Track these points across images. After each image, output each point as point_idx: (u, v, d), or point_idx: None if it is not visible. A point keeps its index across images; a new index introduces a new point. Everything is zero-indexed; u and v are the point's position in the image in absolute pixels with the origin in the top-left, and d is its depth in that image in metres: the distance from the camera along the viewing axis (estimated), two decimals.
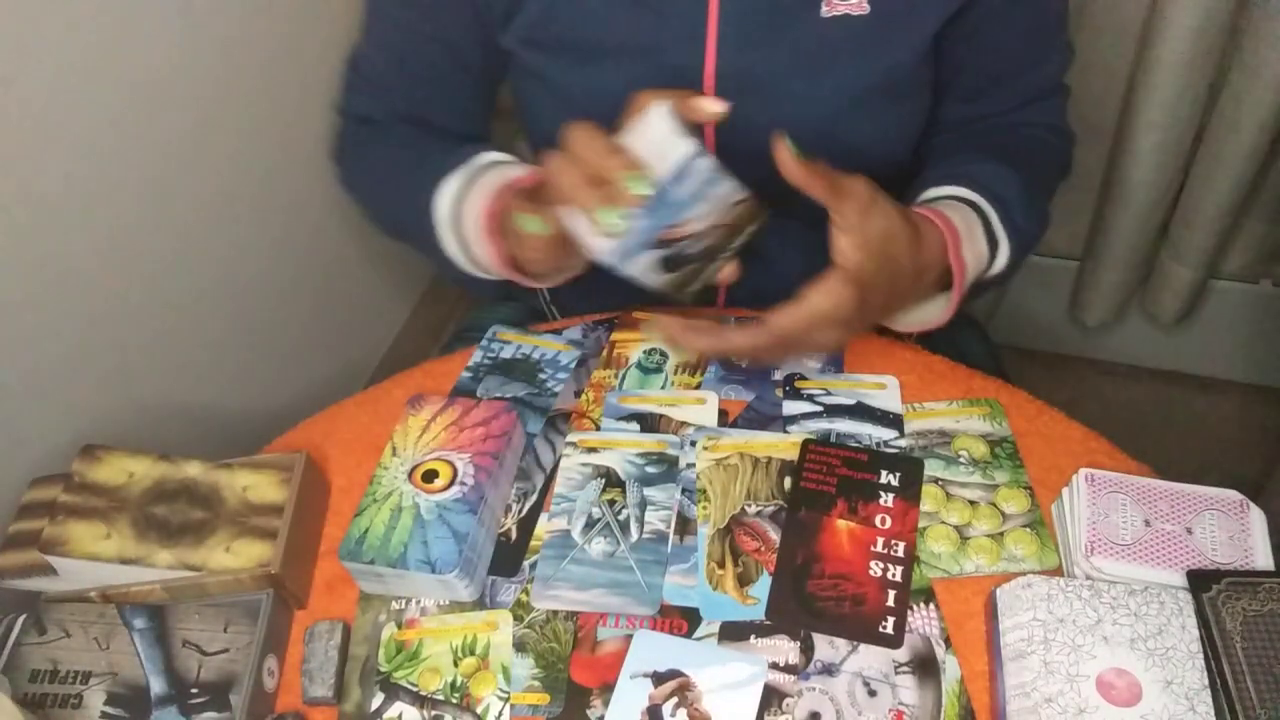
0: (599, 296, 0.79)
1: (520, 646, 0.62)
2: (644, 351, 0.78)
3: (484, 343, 0.80)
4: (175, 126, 0.99)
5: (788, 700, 0.58)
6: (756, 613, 0.62)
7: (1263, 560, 0.60)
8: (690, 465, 0.69)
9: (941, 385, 0.74)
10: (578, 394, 0.76)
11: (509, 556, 0.66)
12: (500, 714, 0.59)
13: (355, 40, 0.81)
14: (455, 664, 0.61)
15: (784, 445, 0.70)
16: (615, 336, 0.79)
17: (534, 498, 0.69)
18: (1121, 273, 1.37)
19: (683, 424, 0.72)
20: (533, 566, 0.65)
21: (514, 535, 0.67)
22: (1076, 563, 0.61)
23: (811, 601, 0.61)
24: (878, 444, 0.70)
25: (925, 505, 0.66)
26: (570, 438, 0.72)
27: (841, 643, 0.60)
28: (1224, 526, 0.61)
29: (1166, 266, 1.35)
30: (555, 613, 0.63)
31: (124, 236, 0.95)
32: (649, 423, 0.73)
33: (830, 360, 0.75)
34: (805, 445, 0.69)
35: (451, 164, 0.72)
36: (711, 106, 0.59)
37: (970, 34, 0.73)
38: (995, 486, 0.67)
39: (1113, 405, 1.55)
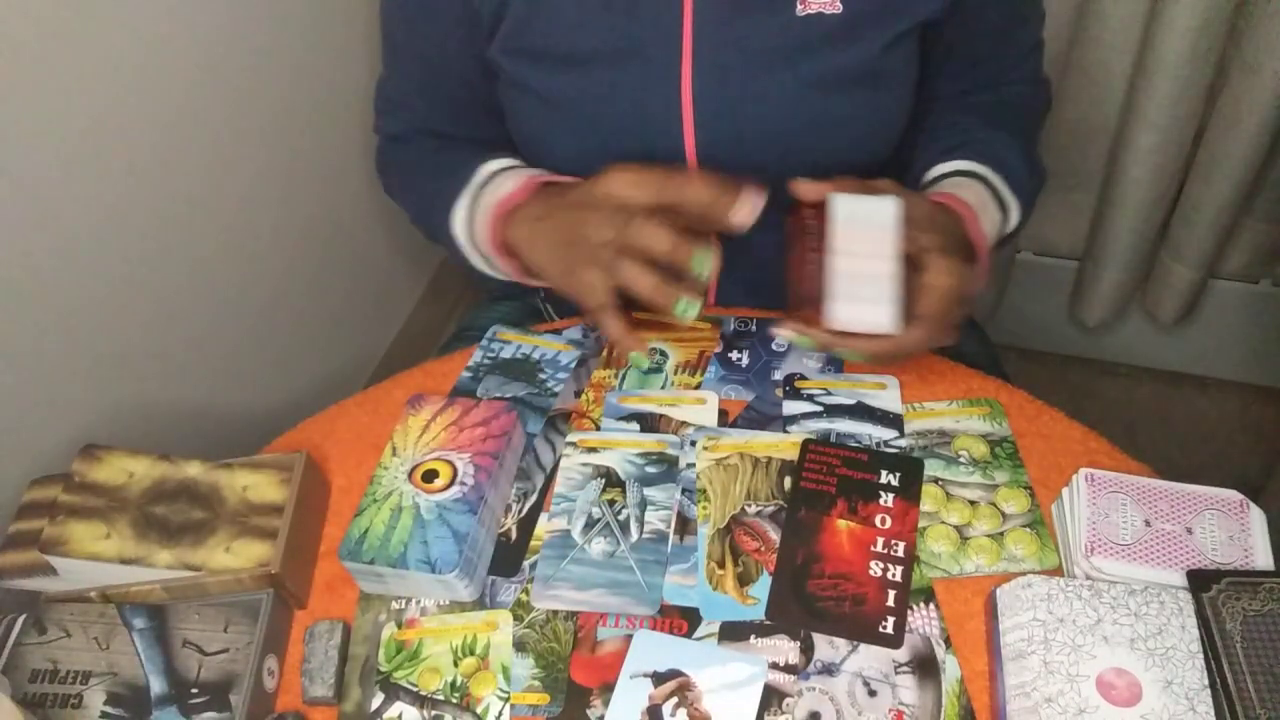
0: None
1: (520, 646, 0.62)
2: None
3: (484, 343, 0.80)
4: (176, 132, 0.99)
5: (788, 700, 0.58)
6: (756, 613, 0.62)
7: (1263, 560, 0.60)
8: (690, 465, 0.69)
9: (941, 385, 0.74)
10: (578, 394, 0.76)
11: (509, 556, 0.66)
12: (500, 714, 0.59)
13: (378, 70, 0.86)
14: (455, 664, 0.61)
15: (784, 445, 0.70)
16: None
17: (534, 498, 0.69)
18: (1121, 273, 1.37)
19: (683, 424, 0.72)
20: (533, 566, 0.65)
21: (514, 535, 0.67)
22: (1076, 563, 0.61)
23: (811, 601, 0.61)
24: (878, 444, 0.70)
25: (925, 505, 0.66)
26: (570, 438, 0.72)
27: (841, 643, 0.60)
28: (1224, 526, 0.61)
29: (1166, 266, 1.35)
30: (555, 613, 0.63)
31: (124, 237, 0.95)
32: (649, 423, 0.73)
33: (830, 360, 0.76)
34: (805, 445, 0.69)
35: (455, 188, 0.76)
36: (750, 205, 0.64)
37: (960, 22, 0.75)
38: (995, 486, 0.67)
39: (1113, 405, 1.55)
